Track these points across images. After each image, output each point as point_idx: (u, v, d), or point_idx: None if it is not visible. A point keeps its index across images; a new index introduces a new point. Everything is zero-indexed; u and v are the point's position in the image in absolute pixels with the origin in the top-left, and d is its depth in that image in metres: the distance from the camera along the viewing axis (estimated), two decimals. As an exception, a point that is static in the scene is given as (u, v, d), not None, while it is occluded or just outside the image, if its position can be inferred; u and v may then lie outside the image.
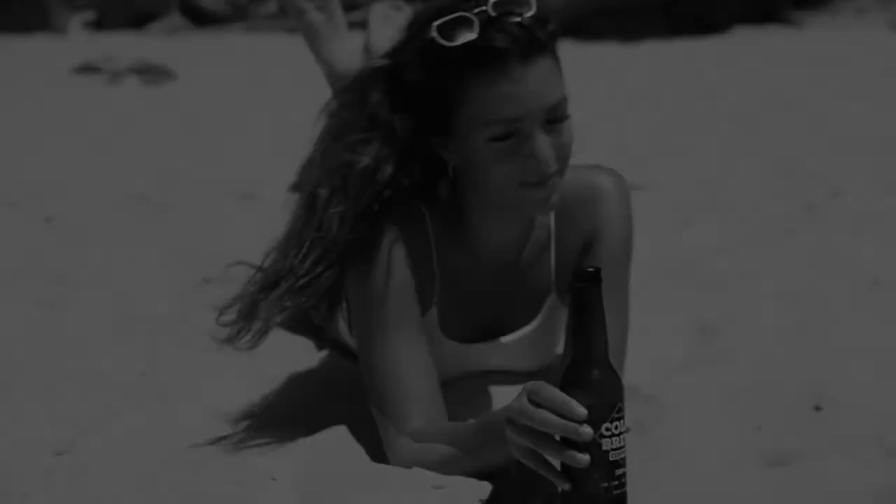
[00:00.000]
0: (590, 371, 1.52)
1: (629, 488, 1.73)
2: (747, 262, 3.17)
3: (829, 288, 2.90)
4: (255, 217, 3.98)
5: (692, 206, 3.95)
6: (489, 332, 2.15)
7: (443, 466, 1.80)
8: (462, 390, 2.21)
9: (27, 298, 3.00)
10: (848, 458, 1.87)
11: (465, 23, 1.79)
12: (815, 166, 4.52)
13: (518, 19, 1.79)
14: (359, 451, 2.02)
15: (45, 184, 4.65)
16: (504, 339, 2.15)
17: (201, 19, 15.62)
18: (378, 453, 1.99)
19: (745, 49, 10.25)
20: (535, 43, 1.80)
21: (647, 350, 2.54)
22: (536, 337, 2.13)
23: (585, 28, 12.37)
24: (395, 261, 1.97)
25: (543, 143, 1.80)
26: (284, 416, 2.24)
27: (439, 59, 1.82)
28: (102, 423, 2.16)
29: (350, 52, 2.92)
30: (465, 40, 1.78)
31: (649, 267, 3.20)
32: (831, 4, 13.47)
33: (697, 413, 2.10)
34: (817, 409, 2.07)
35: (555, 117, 1.81)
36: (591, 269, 1.51)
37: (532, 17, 1.80)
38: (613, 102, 6.98)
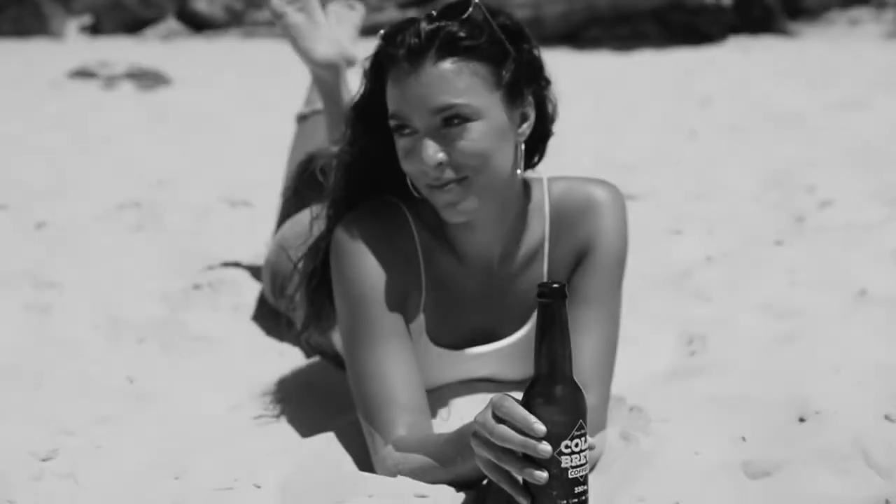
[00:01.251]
0: (552, 387, 1.53)
1: (609, 500, 1.74)
2: (736, 274, 3.18)
3: (816, 300, 2.91)
4: (247, 223, 3.99)
5: (682, 217, 3.96)
6: (478, 339, 2.15)
7: (422, 475, 1.81)
8: (449, 398, 2.22)
9: (16, 303, 3.00)
10: (830, 470, 1.87)
11: (400, 28, 1.89)
12: (805, 177, 4.53)
13: (432, 25, 1.86)
14: (345, 460, 2.03)
15: (36, 188, 4.65)
16: (492, 347, 2.15)
17: (198, 25, 15.62)
18: (365, 462, 1.99)
19: (739, 59, 10.26)
20: (434, 48, 1.85)
21: (634, 360, 2.55)
22: (525, 346, 2.13)
23: (580, 37, 12.40)
24: (380, 266, 1.99)
25: (427, 146, 1.86)
26: (272, 423, 2.25)
27: (372, 61, 1.95)
28: (89, 429, 2.17)
29: (330, 41, 3.00)
30: (379, 44, 1.91)
31: (638, 277, 3.21)
32: (825, 15, 13.49)
33: (682, 424, 2.10)
34: (801, 420, 2.08)
35: (446, 121, 1.85)
36: (556, 285, 1.51)
37: (459, 23, 1.86)
38: (605, 111, 6.99)
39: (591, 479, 1.87)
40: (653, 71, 9.52)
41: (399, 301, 2.00)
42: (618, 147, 5.62)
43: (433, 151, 1.86)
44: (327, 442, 2.08)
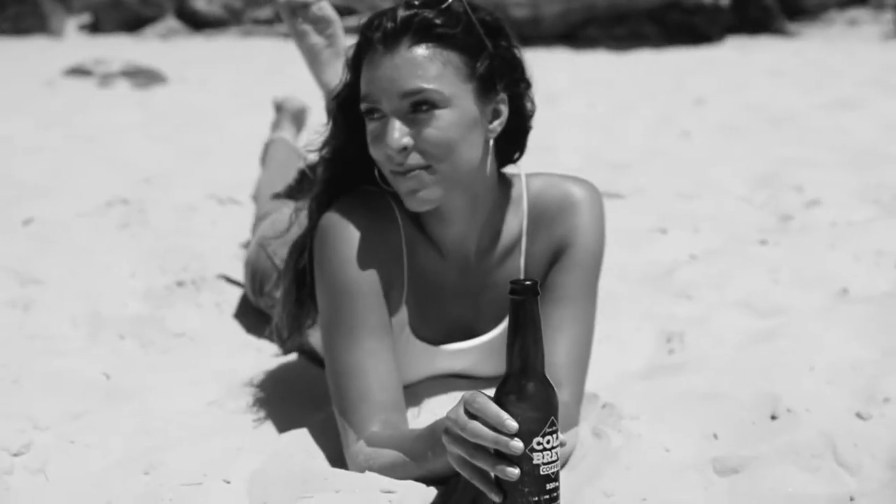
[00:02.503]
0: (524, 384, 1.53)
1: (575, 495, 1.74)
2: (717, 272, 3.18)
3: (797, 298, 2.91)
4: (235, 222, 3.99)
5: (668, 215, 3.95)
6: (456, 335, 2.16)
7: (393, 471, 1.81)
8: (424, 394, 2.22)
9: None
10: (800, 468, 1.88)
11: (379, 14, 1.91)
12: (795, 177, 4.52)
13: (410, 11, 1.87)
14: (318, 456, 2.03)
15: (25, 185, 4.65)
16: (470, 344, 2.16)
17: (197, 23, 15.61)
18: (337, 458, 2.00)
19: (736, 59, 10.26)
20: (409, 33, 1.86)
21: (612, 358, 2.55)
22: (501, 343, 2.13)
23: (579, 36, 12.39)
24: (365, 258, 1.98)
25: (393, 129, 1.86)
26: (246, 419, 2.25)
27: (354, 51, 1.96)
28: (62, 425, 2.17)
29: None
30: (359, 32, 1.93)
31: (621, 275, 3.21)
32: (824, 15, 13.49)
33: (654, 421, 2.10)
34: (773, 418, 2.08)
35: (415, 107, 1.86)
36: (528, 282, 1.52)
37: (437, 11, 1.88)
38: (599, 110, 6.99)
39: (561, 474, 1.88)
40: (649, 71, 9.52)
41: (382, 294, 1.99)
42: (610, 146, 5.62)
43: (399, 135, 1.86)
44: (300, 438, 2.08)
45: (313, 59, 2.87)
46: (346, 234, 1.98)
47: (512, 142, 2.07)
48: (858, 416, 2.09)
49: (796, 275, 3.12)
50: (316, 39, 2.85)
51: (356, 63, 1.96)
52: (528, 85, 2.01)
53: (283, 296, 2.14)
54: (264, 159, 3.69)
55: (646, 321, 2.80)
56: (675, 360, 2.51)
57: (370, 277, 1.98)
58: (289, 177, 3.11)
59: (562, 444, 1.56)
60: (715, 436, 2.06)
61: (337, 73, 2.83)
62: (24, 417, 2.16)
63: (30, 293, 3.07)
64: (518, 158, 2.11)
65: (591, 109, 7.02)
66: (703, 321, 2.76)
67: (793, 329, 2.60)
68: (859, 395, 2.18)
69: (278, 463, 1.95)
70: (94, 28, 16.79)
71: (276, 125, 3.96)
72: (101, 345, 2.70)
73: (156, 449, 2.04)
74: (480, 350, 2.17)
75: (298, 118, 3.98)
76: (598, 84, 8.47)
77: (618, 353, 2.60)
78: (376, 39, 1.88)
